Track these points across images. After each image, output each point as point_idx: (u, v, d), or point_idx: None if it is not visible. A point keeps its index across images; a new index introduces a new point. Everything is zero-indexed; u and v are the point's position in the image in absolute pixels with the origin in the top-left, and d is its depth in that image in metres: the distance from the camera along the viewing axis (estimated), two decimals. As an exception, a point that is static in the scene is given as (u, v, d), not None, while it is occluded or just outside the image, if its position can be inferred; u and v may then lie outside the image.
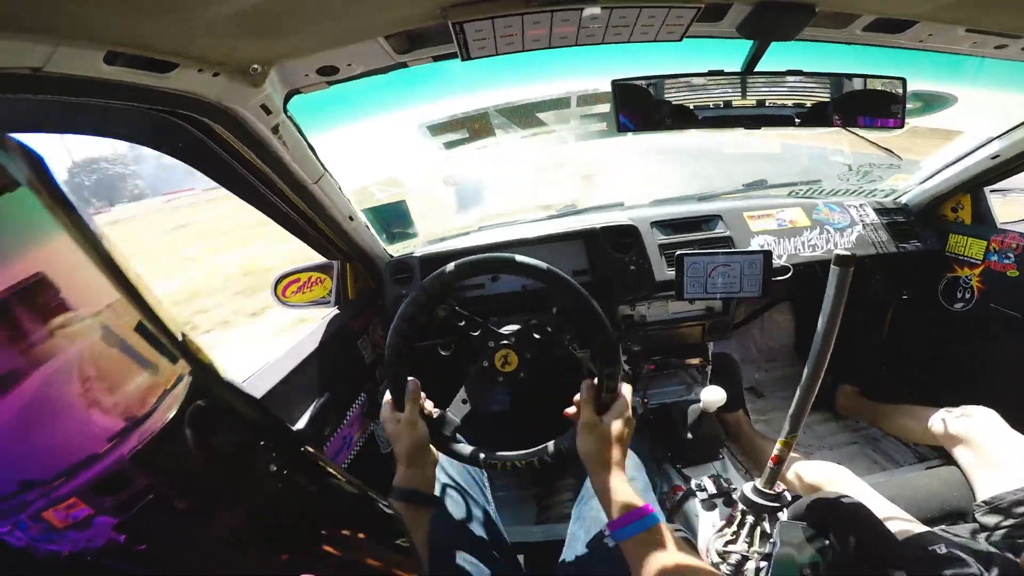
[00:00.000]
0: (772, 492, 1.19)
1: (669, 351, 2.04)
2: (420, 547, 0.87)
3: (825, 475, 1.62)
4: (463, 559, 1.07)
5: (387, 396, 1.00)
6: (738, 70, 1.00)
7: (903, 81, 0.92)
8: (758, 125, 1.07)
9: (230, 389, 0.36)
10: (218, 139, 0.91)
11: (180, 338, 0.32)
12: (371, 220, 1.60)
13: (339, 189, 1.29)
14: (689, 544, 1.35)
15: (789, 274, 1.79)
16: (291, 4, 0.62)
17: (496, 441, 1.10)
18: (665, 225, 1.89)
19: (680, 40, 0.91)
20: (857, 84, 0.94)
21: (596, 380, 0.94)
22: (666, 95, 1.05)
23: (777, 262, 1.77)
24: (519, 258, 0.97)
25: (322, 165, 1.17)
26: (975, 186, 1.76)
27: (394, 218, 1.71)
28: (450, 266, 0.96)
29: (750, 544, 1.20)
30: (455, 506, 1.18)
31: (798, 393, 1.10)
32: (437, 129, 1.38)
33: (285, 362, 1.32)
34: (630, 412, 0.93)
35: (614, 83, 1.05)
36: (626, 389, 0.95)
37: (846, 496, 1.25)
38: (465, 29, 0.78)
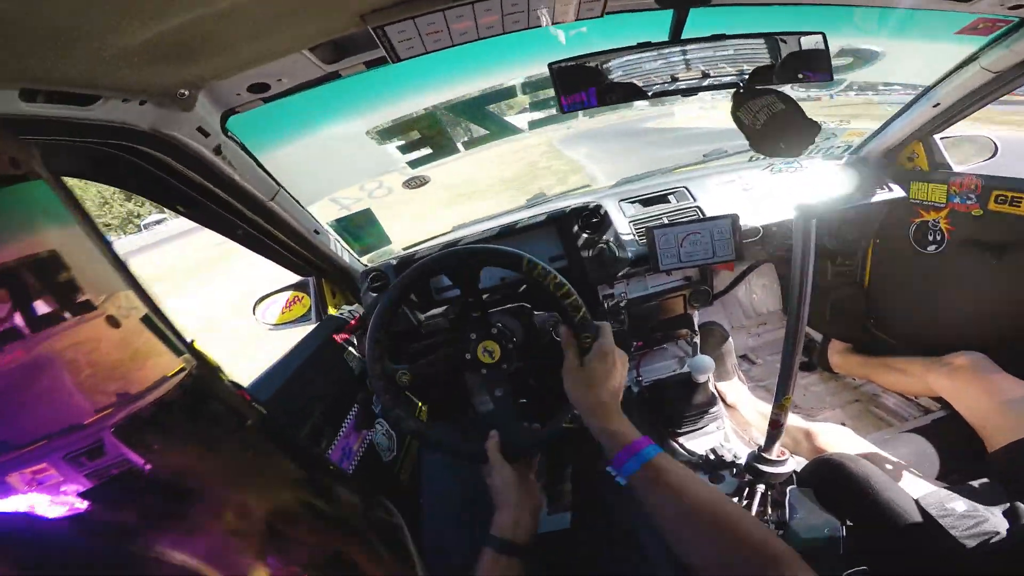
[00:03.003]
0: (775, 459, 1.20)
1: (655, 327, 2.06)
2: None
3: (827, 437, 1.62)
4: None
5: (494, 443, 1.02)
6: (665, 40, 1.01)
7: (823, 35, 0.94)
8: (695, 92, 1.08)
9: (231, 390, 0.38)
10: (164, 167, 0.91)
11: (187, 338, 0.34)
12: (339, 232, 1.61)
13: (298, 204, 1.30)
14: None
15: (759, 235, 1.82)
16: (206, 28, 0.63)
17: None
18: (633, 201, 1.91)
19: (602, 15, 0.93)
20: (782, 42, 0.96)
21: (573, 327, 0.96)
22: (603, 71, 1.06)
23: (747, 225, 1.79)
24: (464, 248, 1.01)
25: (275, 181, 1.18)
26: (924, 135, 1.80)
27: (363, 228, 1.72)
28: (414, 266, 1.01)
29: (764, 513, 1.21)
30: (452, 505, 1.19)
31: (783, 354, 1.11)
32: (387, 134, 1.39)
33: (272, 379, 1.33)
34: (611, 350, 0.92)
35: (551, 66, 1.06)
36: (604, 329, 0.95)
37: (850, 458, 1.24)
38: (388, 32, 0.78)
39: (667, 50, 1.05)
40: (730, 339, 2.23)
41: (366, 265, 1.77)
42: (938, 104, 1.61)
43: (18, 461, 0.25)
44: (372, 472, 1.59)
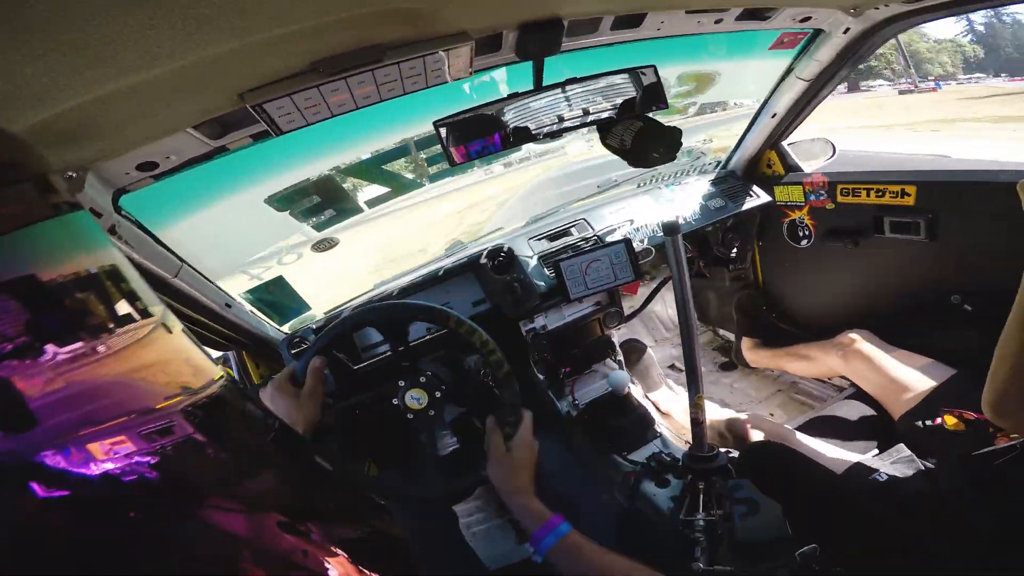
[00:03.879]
0: (707, 454, 1.27)
1: (579, 352, 2.16)
2: None
3: (746, 425, 1.75)
4: None
5: (287, 369, 1.04)
6: (531, 88, 1.16)
7: (654, 68, 1.11)
8: (560, 134, 1.23)
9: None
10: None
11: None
12: (254, 303, 1.61)
13: (204, 278, 1.30)
14: (644, 523, 1.40)
15: (652, 255, 2.00)
16: (88, 112, 0.67)
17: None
18: (540, 238, 2.04)
19: (471, 75, 1.05)
20: (619, 78, 1.13)
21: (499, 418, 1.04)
22: (484, 122, 1.19)
23: (640, 246, 1.96)
24: (399, 303, 1.09)
25: (177, 257, 1.18)
26: (773, 143, 2.08)
27: (277, 296, 1.72)
28: (343, 318, 1.08)
29: (712, 508, 1.25)
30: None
31: (684, 358, 1.22)
32: (286, 201, 1.44)
33: None
34: (532, 440, 1.03)
35: (436, 123, 1.17)
36: (527, 418, 1.05)
37: (773, 444, 1.35)
38: (267, 109, 0.85)
39: (534, 97, 1.20)
40: (650, 352, 2.37)
41: (286, 333, 1.75)
42: (775, 114, 1.88)
43: (99, 434, 0.30)
44: None
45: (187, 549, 0.31)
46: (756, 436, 1.69)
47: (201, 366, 0.39)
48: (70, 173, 0.78)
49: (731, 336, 2.63)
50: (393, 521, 0.54)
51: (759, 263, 2.46)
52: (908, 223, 1.70)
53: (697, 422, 1.28)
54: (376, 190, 1.61)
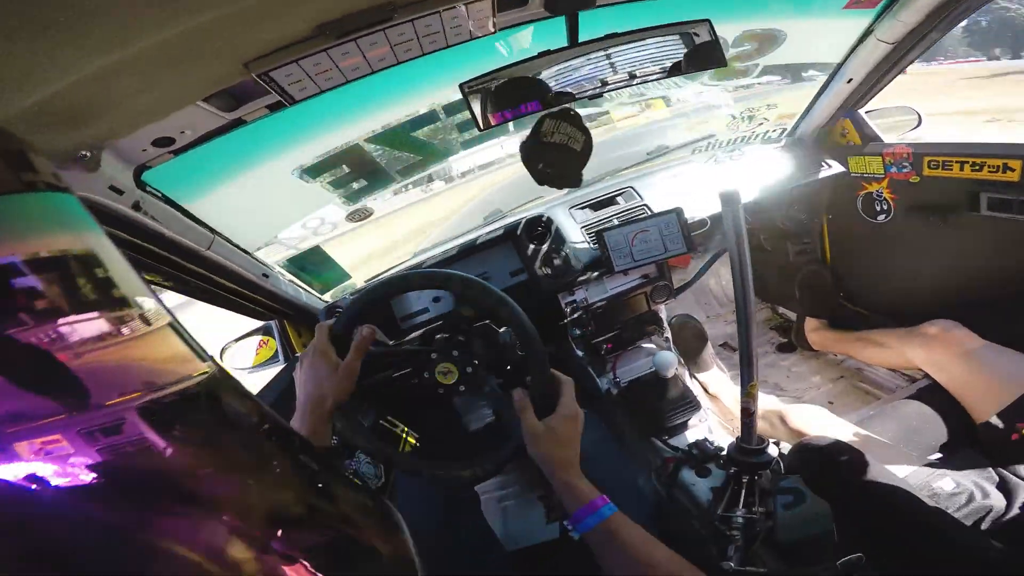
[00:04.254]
0: (755, 447, 1.18)
1: (623, 327, 2.07)
2: None
3: (803, 419, 1.62)
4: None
5: (326, 330, 0.94)
6: (564, 45, 1.05)
7: (709, 22, 0.97)
8: (600, 95, 1.12)
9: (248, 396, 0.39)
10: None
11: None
12: (293, 272, 1.63)
13: (238, 249, 1.31)
14: (680, 513, 1.34)
15: (707, 226, 1.85)
16: (87, 91, 0.65)
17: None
18: (583, 207, 1.94)
19: (495, 32, 0.96)
20: (669, 33, 1.00)
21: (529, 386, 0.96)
22: (514, 84, 1.10)
23: (693, 217, 1.82)
24: (409, 274, 1.00)
25: (209, 229, 1.19)
26: (848, 110, 1.86)
27: (315, 265, 1.74)
28: (371, 285, 1.00)
29: (753, 504, 1.17)
30: (428, 532, 1.18)
31: (739, 341, 1.11)
32: (315, 171, 1.42)
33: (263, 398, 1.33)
34: (573, 408, 0.94)
35: (462, 86, 1.09)
36: (567, 387, 0.96)
37: (829, 441, 1.22)
38: (275, 78, 0.81)
39: (569, 54, 1.09)
40: (701, 329, 2.24)
41: (327, 301, 1.78)
42: (851, 79, 1.67)
43: (30, 432, 0.26)
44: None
45: (123, 560, 0.28)
46: (811, 428, 1.56)
47: (178, 362, 0.34)
48: (83, 152, 0.77)
49: (792, 315, 2.44)
50: (383, 520, 0.49)
51: (827, 238, 2.24)
52: (1011, 201, 1.47)
53: (748, 413, 1.17)
54: (408, 157, 1.56)
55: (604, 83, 1.16)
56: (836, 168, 1.93)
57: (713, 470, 1.46)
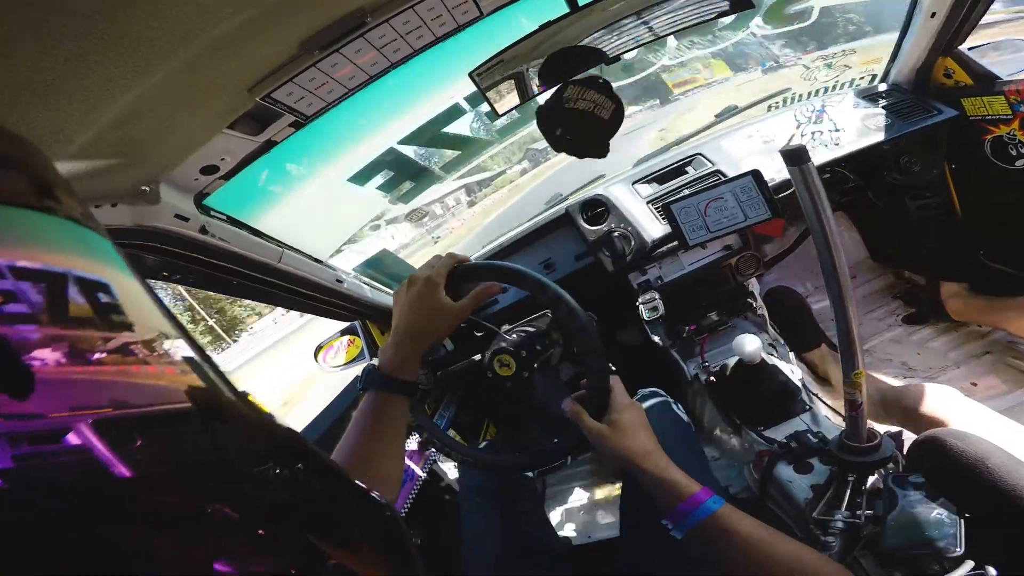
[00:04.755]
0: (864, 445, 1.04)
1: (707, 306, 1.91)
2: (395, 444, 0.86)
3: (935, 403, 1.35)
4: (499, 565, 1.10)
5: (450, 261, 0.93)
6: (566, 12, 1.01)
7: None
8: (618, 55, 1.05)
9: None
10: (173, 255, 1.11)
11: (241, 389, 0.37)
12: (367, 274, 1.77)
13: (308, 258, 1.46)
14: (771, 515, 1.20)
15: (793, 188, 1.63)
16: (120, 135, 0.78)
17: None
18: (647, 180, 1.83)
19: (486, 15, 0.95)
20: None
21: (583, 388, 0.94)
22: (523, 62, 1.08)
23: (775, 178, 1.62)
24: (528, 274, 0.96)
25: (277, 243, 1.34)
26: (943, 48, 1.60)
27: (386, 266, 1.86)
28: None
29: (858, 506, 1.04)
30: (489, 522, 1.21)
31: (836, 322, 0.97)
32: (362, 178, 1.51)
33: (331, 411, 1.49)
34: (626, 399, 0.90)
35: (471, 75, 1.10)
36: (613, 381, 0.93)
37: (959, 435, 1.01)
38: (278, 99, 0.89)
39: (576, 20, 1.04)
40: (806, 302, 1.99)
41: (402, 300, 1.90)
42: (934, 13, 1.45)
43: None
44: (434, 495, 1.67)
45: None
46: (944, 416, 1.29)
47: (165, 382, 0.33)
48: (143, 188, 0.93)
49: (921, 280, 2.05)
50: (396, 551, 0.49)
51: (954, 190, 1.86)
52: None
53: (854, 405, 1.02)
54: (447, 154, 1.60)
55: (620, 44, 1.09)
56: (948, 112, 1.65)
57: (816, 465, 1.31)
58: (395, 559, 0.48)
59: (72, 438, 0.27)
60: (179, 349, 0.34)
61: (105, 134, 0.74)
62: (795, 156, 0.93)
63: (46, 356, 0.29)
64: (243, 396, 0.37)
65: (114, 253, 0.35)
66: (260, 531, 0.36)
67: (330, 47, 0.83)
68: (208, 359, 0.36)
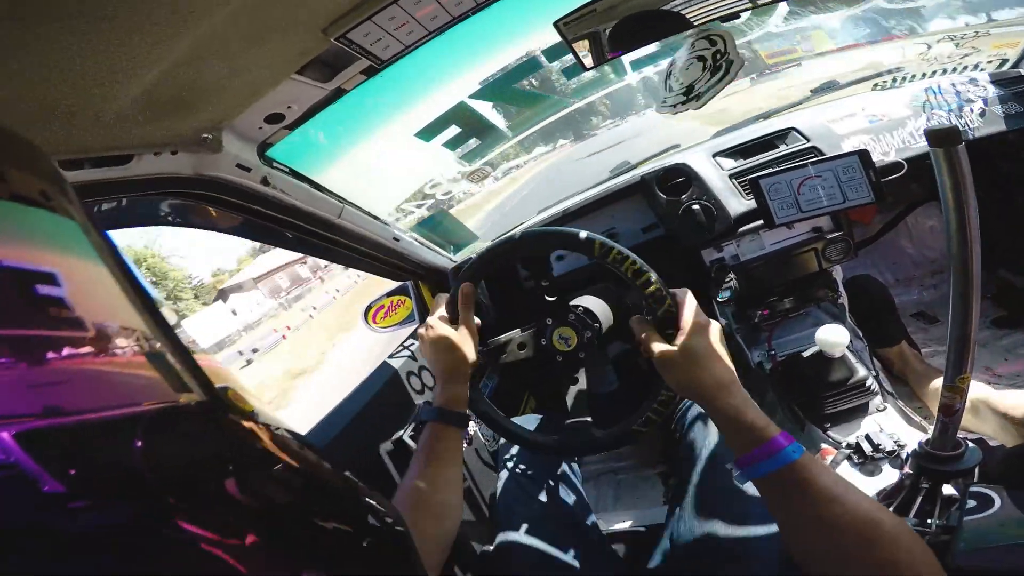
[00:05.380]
0: (950, 453, 0.94)
1: (784, 290, 1.77)
2: (454, 469, 0.89)
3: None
4: (537, 543, 1.06)
5: (440, 300, 0.99)
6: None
7: None
8: (736, 12, 0.91)
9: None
10: (231, 206, 1.06)
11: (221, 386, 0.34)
12: (424, 234, 1.71)
13: (368, 216, 1.40)
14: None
15: (903, 171, 1.45)
16: (184, 78, 0.71)
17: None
18: (730, 153, 1.67)
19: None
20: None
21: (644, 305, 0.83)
22: (611, 11, 0.95)
23: (883, 160, 1.45)
24: (527, 232, 0.93)
25: (338, 198, 1.28)
26: None
27: (443, 227, 1.79)
28: (472, 260, 0.99)
29: (929, 515, 0.95)
30: (527, 495, 1.17)
31: (951, 321, 0.87)
32: (428, 133, 1.41)
33: (374, 380, 1.47)
34: (702, 318, 0.78)
35: (556, 24, 0.98)
36: (687, 297, 0.80)
37: None
38: (354, 39, 0.80)
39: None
40: (890, 295, 1.81)
41: (455, 262, 1.84)
42: None
43: None
44: (474, 463, 1.65)
45: None
46: None
47: (113, 384, 0.30)
48: (205, 135, 0.86)
49: (1017, 281, 1.85)
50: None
51: None
52: None
53: (950, 410, 0.91)
54: (516, 111, 1.49)
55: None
56: None
57: (885, 469, 1.24)
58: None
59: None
60: (138, 343, 0.31)
61: (169, 75, 0.67)
62: (944, 136, 0.79)
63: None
64: (219, 393, 0.33)
65: (78, 235, 0.30)
66: (232, 545, 0.33)
67: (413, -19, 0.73)
68: (180, 350, 0.31)
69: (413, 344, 1.66)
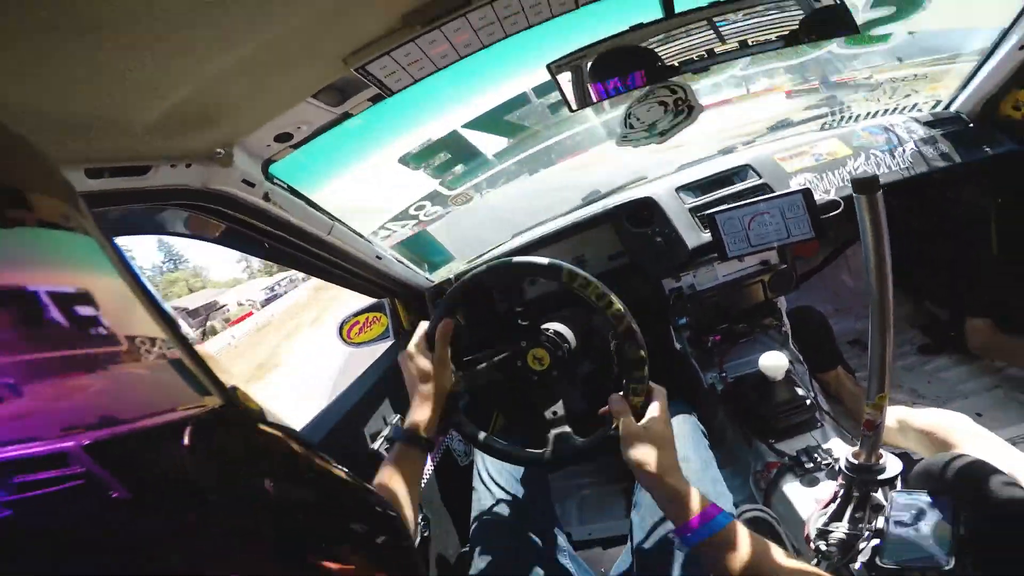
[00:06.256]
0: (871, 464, 1.06)
1: (735, 318, 1.92)
2: (412, 488, 0.94)
3: (944, 427, 1.37)
4: (508, 555, 1.12)
5: (421, 330, 1.06)
6: (660, 17, 0.99)
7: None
8: (705, 66, 1.04)
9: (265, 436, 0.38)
10: (229, 218, 1.10)
11: (230, 386, 0.35)
12: (403, 254, 1.76)
13: (355, 234, 1.45)
14: (775, 536, 1.24)
15: (840, 208, 1.63)
16: (209, 96, 0.76)
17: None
18: (692, 188, 1.82)
19: (578, 7, 0.93)
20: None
21: (624, 389, 0.95)
22: (607, 59, 1.06)
23: (824, 197, 1.63)
24: (501, 262, 1.01)
25: (329, 216, 1.32)
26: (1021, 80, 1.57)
27: (422, 248, 1.85)
28: (453, 287, 1.06)
29: (860, 520, 1.07)
30: (500, 507, 1.22)
31: (871, 346, 0.99)
32: (418, 159, 1.50)
33: (350, 395, 1.49)
34: (667, 415, 0.93)
35: (549, 67, 1.08)
36: (659, 393, 0.95)
37: (969, 457, 1.03)
38: (371, 71, 0.87)
39: (666, 26, 1.02)
40: (829, 323, 2.00)
41: (433, 283, 1.90)
42: (1022, 47, 1.42)
43: None
44: (447, 477, 1.68)
45: None
46: (952, 440, 1.31)
47: (170, 395, 0.32)
48: (218, 150, 0.91)
49: (941, 313, 2.08)
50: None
51: (994, 225, 1.87)
52: None
53: (872, 425, 1.04)
54: (502, 142, 1.59)
55: (710, 54, 1.07)
56: (1008, 146, 1.64)
57: (822, 480, 1.35)
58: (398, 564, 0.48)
59: (73, 462, 0.26)
60: (160, 351, 0.33)
61: (200, 92, 0.72)
62: (866, 184, 0.92)
63: (30, 380, 0.27)
64: (231, 393, 0.35)
65: (97, 252, 0.32)
66: (268, 540, 0.35)
67: (433, 23, 0.82)
68: (194, 356, 0.34)
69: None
